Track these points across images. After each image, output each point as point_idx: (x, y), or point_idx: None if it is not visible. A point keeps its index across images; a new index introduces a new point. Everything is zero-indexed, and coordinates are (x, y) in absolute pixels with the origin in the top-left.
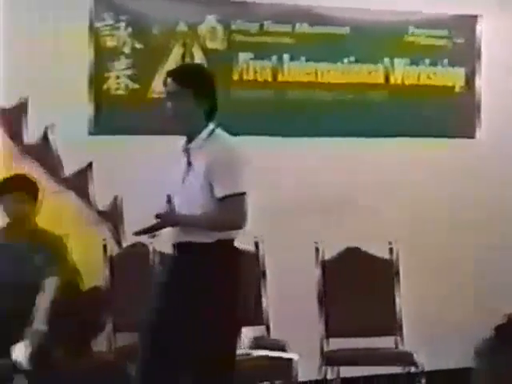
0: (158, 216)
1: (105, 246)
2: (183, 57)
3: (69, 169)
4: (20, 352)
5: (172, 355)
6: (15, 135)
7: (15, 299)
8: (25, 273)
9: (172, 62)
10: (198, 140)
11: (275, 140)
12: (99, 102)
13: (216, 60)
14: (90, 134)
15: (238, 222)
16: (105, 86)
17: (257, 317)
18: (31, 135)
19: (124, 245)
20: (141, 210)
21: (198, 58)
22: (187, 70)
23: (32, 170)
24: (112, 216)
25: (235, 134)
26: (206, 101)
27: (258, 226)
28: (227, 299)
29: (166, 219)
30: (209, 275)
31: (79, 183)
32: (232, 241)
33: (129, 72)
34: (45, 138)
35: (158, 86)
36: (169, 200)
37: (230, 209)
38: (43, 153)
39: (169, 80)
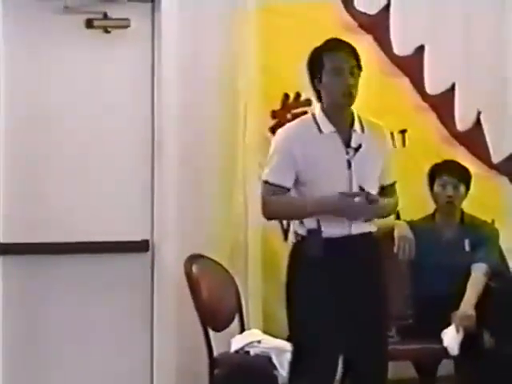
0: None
1: None
2: None
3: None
4: (450, 337)
5: None
6: (446, 120)
7: (445, 282)
8: (454, 256)
9: None
10: (357, 122)
11: None
12: None
13: None
14: None
15: (396, 209)
16: None
17: None
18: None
19: None
20: None
21: None
22: (354, 48)
23: (463, 155)
24: None
25: None
26: None
27: None
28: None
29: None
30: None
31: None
32: None
33: None
34: (477, 123)
35: None
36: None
37: (395, 196)
38: (474, 139)
39: (346, 54)
